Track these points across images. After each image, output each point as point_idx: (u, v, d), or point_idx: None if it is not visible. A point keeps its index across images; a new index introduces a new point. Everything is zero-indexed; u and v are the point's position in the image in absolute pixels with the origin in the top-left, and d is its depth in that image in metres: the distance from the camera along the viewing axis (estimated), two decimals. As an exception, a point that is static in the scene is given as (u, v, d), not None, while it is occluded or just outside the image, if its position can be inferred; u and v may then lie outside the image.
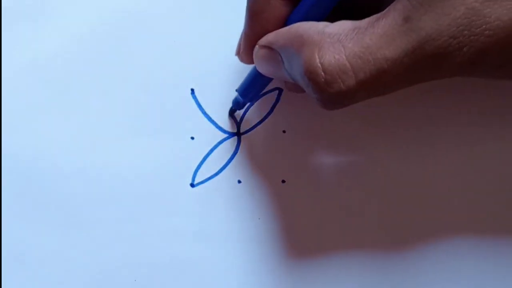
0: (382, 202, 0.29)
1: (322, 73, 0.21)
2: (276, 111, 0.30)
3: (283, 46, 0.23)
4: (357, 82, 0.21)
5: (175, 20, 0.30)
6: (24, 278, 0.28)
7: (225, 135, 0.30)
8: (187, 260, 0.29)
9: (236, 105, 0.29)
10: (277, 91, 0.30)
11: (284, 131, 0.30)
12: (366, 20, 0.22)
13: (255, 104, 0.30)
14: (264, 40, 0.24)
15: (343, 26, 0.22)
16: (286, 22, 0.24)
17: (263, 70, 0.25)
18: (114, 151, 0.29)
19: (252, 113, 0.30)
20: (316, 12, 0.23)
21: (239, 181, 0.29)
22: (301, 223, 0.29)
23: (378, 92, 0.22)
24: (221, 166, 0.29)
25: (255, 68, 0.27)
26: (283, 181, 0.29)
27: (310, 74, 0.21)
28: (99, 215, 0.29)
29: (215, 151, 0.30)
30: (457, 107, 0.29)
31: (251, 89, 0.28)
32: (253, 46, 0.25)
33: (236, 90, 0.28)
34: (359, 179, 0.29)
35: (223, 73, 0.30)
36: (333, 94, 0.21)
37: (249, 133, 0.30)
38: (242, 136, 0.30)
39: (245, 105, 0.29)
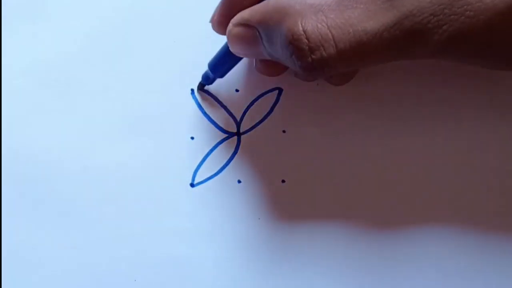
0: (383, 201, 0.29)
1: (306, 40, 0.22)
2: (276, 111, 0.30)
3: (262, 20, 0.23)
4: (337, 51, 0.22)
5: (175, 20, 0.30)
6: (24, 278, 0.28)
7: (225, 135, 0.30)
8: (187, 260, 0.29)
9: (206, 80, 0.29)
10: (277, 91, 0.30)
11: (284, 131, 0.30)
12: None
13: (255, 104, 0.30)
14: (239, 17, 0.24)
15: None
16: None
17: (236, 49, 0.25)
18: (114, 151, 0.29)
19: (252, 113, 0.30)
20: None
21: (239, 181, 0.29)
22: (301, 223, 0.29)
23: (357, 64, 0.22)
24: (221, 166, 0.29)
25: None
26: (283, 181, 0.29)
27: (295, 42, 0.22)
28: (99, 215, 0.29)
29: (215, 151, 0.29)
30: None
31: (222, 65, 0.28)
32: (227, 18, 0.25)
33: (208, 64, 0.28)
34: (360, 178, 0.29)
35: (223, 73, 0.30)
36: (316, 60, 0.22)
37: (249, 133, 0.30)
38: (242, 136, 0.30)
39: (214, 80, 0.29)
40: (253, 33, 0.24)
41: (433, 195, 0.29)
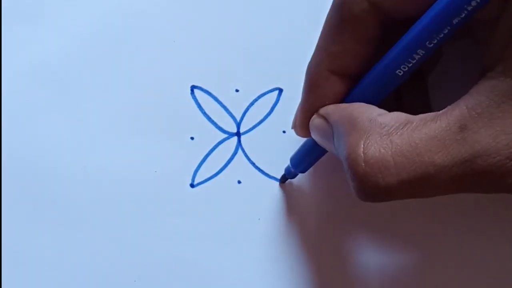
0: (384, 203, 0.29)
1: (363, 164, 0.20)
2: (276, 111, 0.30)
3: (336, 122, 0.23)
4: (398, 180, 0.20)
5: (175, 20, 0.30)
6: (24, 278, 0.29)
7: (225, 135, 0.30)
8: (187, 260, 0.29)
9: (288, 174, 0.29)
10: (277, 91, 0.30)
11: (284, 131, 0.30)
12: (420, 117, 0.21)
13: (255, 104, 0.30)
14: (323, 110, 0.24)
15: (396, 118, 0.21)
16: (344, 98, 0.24)
17: (315, 139, 0.25)
18: (114, 152, 0.29)
19: (252, 113, 0.30)
20: (376, 93, 0.23)
21: (239, 181, 0.29)
22: (301, 224, 0.29)
23: (419, 195, 0.21)
24: (221, 166, 0.29)
25: (309, 141, 0.26)
26: (283, 181, 0.29)
27: (351, 161, 0.21)
28: (99, 215, 0.29)
29: (215, 151, 0.29)
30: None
31: (303, 161, 0.27)
32: (309, 120, 0.25)
33: (290, 159, 0.28)
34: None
35: (223, 72, 0.30)
36: (370, 187, 0.20)
37: (249, 133, 0.30)
38: (242, 136, 0.30)
39: (296, 175, 0.29)
40: (328, 129, 0.23)
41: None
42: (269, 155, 0.29)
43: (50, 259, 0.29)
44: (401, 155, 0.20)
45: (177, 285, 0.29)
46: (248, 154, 0.30)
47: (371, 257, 0.29)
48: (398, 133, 0.21)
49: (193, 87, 0.30)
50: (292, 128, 0.27)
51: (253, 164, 0.29)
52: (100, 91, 0.30)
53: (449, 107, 0.21)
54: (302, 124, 0.25)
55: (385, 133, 0.21)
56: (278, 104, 0.30)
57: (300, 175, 0.29)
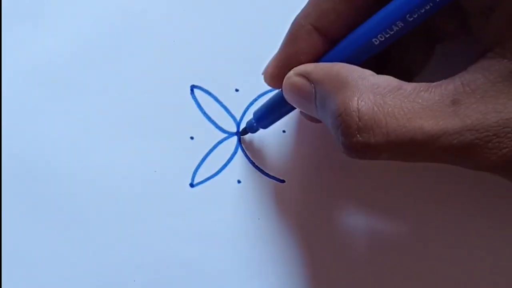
0: (384, 201, 0.29)
1: (357, 119, 0.21)
2: (276, 111, 0.30)
3: (321, 80, 0.23)
4: (387, 141, 0.21)
5: (175, 20, 0.30)
6: (24, 278, 0.29)
7: (225, 135, 0.30)
8: (187, 260, 0.29)
9: (250, 128, 0.29)
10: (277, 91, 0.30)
11: (284, 131, 0.30)
12: (413, 85, 0.21)
13: (255, 104, 0.30)
14: (302, 68, 0.24)
15: (389, 81, 0.22)
16: (320, 59, 0.24)
17: (290, 98, 0.25)
18: (114, 151, 0.29)
19: (252, 113, 0.30)
20: (356, 57, 0.23)
21: (239, 181, 0.29)
22: (301, 223, 0.29)
23: (403, 158, 0.21)
24: (220, 166, 0.29)
25: (277, 95, 0.26)
26: (283, 181, 0.29)
27: (345, 116, 0.21)
28: (99, 215, 0.29)
29: (215, 151, 0.29)
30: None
31: (268, 117, 0.27)
32: (281, 70, 0.25)
33: (253, 114, 0.28)
34: (360, 178, 0.29)
35: (223, 72, 0.30)
36: (360, 143, 0.21)
37: (249, 133, 0.30)
38: (242, 136, 0.30)
39: (258, 129, 0.29)
40: (310, 88, 0.23)
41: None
42: (269, 155, 0.29)
43: (50, 259, 0.29)
44: (393, 116, 0.21)
45: (176, 285, 0.29)
46: (248, 154, 0.30)
47: (372, 258, 0.29)
48: (391, 96, 0.21)
49: (193, 87, 0.30)
50: (262, 73, 0.26)
51: (253, 164, 0.29)
52: (100, 91, 0.30)
53: (444, 80, 0.21)
54: (273, 73, 0.25)
55: (378, 93, 0.21)
56: (278, 104, 0.30)
57: (301, 176, 0.29)
